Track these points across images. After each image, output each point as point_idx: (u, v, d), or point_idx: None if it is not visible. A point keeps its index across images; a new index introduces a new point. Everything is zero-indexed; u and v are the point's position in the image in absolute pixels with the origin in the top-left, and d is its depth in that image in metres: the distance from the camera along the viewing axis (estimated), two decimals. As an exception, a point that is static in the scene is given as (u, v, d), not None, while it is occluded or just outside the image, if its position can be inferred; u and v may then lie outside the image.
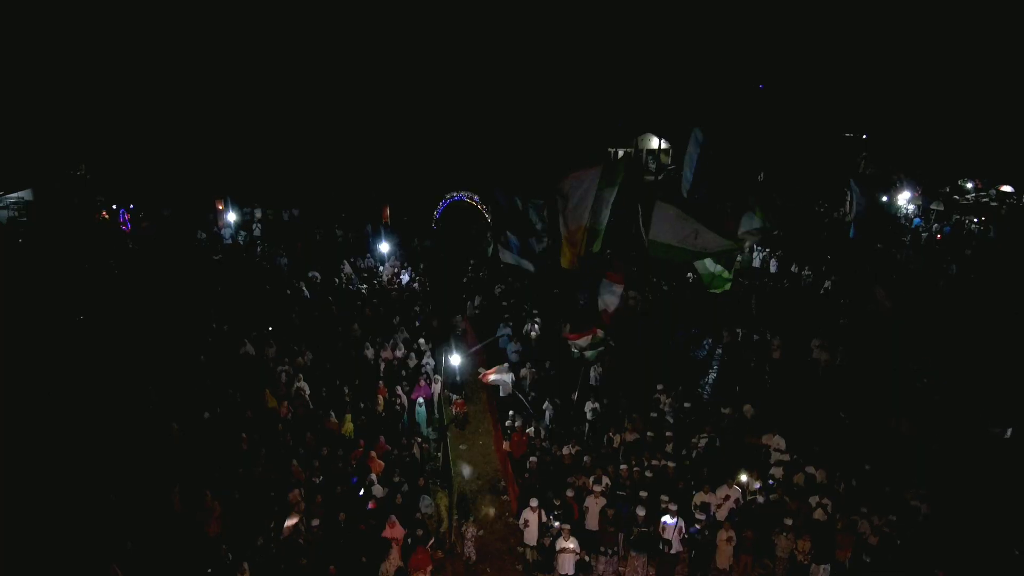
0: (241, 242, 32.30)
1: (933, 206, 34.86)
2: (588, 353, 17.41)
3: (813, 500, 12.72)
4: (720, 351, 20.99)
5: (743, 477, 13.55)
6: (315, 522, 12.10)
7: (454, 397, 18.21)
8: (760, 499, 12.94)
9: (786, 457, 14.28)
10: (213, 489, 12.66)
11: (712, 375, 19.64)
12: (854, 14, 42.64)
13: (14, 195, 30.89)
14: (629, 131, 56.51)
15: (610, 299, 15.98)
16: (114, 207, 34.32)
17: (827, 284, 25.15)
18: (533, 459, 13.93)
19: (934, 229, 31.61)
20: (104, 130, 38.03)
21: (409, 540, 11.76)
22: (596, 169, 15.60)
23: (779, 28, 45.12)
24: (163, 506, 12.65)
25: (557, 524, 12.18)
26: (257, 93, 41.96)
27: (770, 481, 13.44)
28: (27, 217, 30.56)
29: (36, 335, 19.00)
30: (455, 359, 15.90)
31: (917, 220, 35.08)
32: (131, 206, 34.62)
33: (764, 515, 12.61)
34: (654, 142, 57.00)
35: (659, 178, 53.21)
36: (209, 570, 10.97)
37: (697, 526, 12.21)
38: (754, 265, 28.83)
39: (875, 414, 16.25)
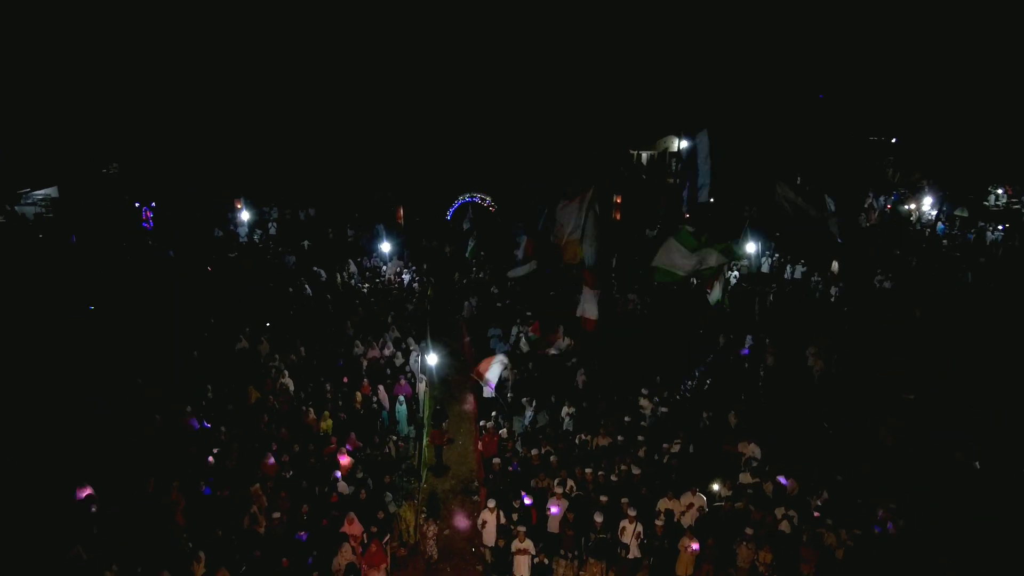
0: (257, 240, 33.04)
1: (957, 212, 33.67)
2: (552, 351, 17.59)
3: (779, 512, 12.42)
4: (714, 356, 20.72)
5: (715, 486, 13.34)
6: (276, 515, 12.29)
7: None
8: (724, 508, 12.70)
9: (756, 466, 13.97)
10: (182, 482, 12.97)
11: (701, 379, 19.37)
12: (885, 14, 41.47)
13: (41, 192, 32.15)
14: (652, 132, 56.04)
15: (590, 307, 16.12)
16: (136, 205, 35.39)
17: (834, 291, 24.55)
18: (496, 460, 13.92)
19: (942, 231, 30.53)
20: (135, 130, 39.33)
21: (365, 537, 11.86)
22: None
23: (806, 29, 44.12)
24: (136, 495, 12.97)
25: (513, 525, 12.15)
26: (281, 96, 42.87)
27: (724, 493, 13.15)
28: (53, 214, 31.78)
29: (41, 326, 19.79)
30: (432, 358, 15.99)
31: (941, 227, 33.93)
32: (153, 204, 35.67)
33: (727, 524, 12.37)
34: (676, 144, 56.31)
35: (678, 181, 52.61)
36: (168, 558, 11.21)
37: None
38: (763, 270, 28.28)
39: (860, 424, 15.80)
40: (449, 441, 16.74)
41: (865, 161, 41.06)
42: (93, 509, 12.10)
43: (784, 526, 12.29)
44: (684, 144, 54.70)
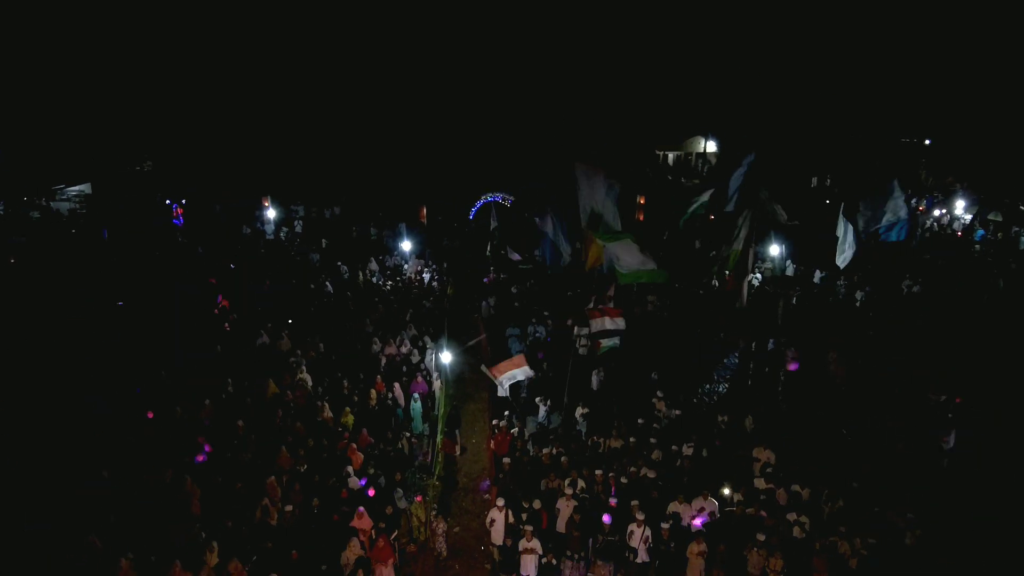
0: (283, 238, 33.55)
1: (991, 216, 32.70)
2: (606, 342, 17.48)
3: (791, 516, 12.21)
4: (735, 359, 20.53)
5: (725, 490, 13.18)
6: (288, 508, 12.47)
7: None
8: (736, 512, 12.54)
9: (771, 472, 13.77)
10: (196, 473, 13.24)
11: (720, 383, 19.18)
12: (917, 13, 40.49)
13: (75, 188, 33.07)
14: (678, 132, 55.59)
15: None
16: (167, 202, 36.17)
17: (860, 295, 24.05)
18: (507, 459, 13.94)
19: (980, 236, 29.67)
20: (169, 127, 40.33)
21: (373, 532, 11.98)
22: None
23: (835, 27, 43.33)
24: (153, 485, 13.25)
25: (521, 524, 12.15)
26: (311, 97, 43.60)
27: (737, 498, 12.95)
28: (86, 209, 32.69)
29: (71, 319, 20.39)
30: (446, 356, 16.07)
31: (980, 232, 32.99)
32: (183, 201, 36.43)
33: (739, 529, 12.20)
34: (703, 144, 55.72)
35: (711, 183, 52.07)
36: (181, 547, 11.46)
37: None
38: (787, 274, 27.81)
39: (880, 431, 15.47)
40: (462, 451, 16.25)
41: (897, 163, 40.11)
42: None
43: (797, 532, 12.10)
44: (712, 146, 54.31)
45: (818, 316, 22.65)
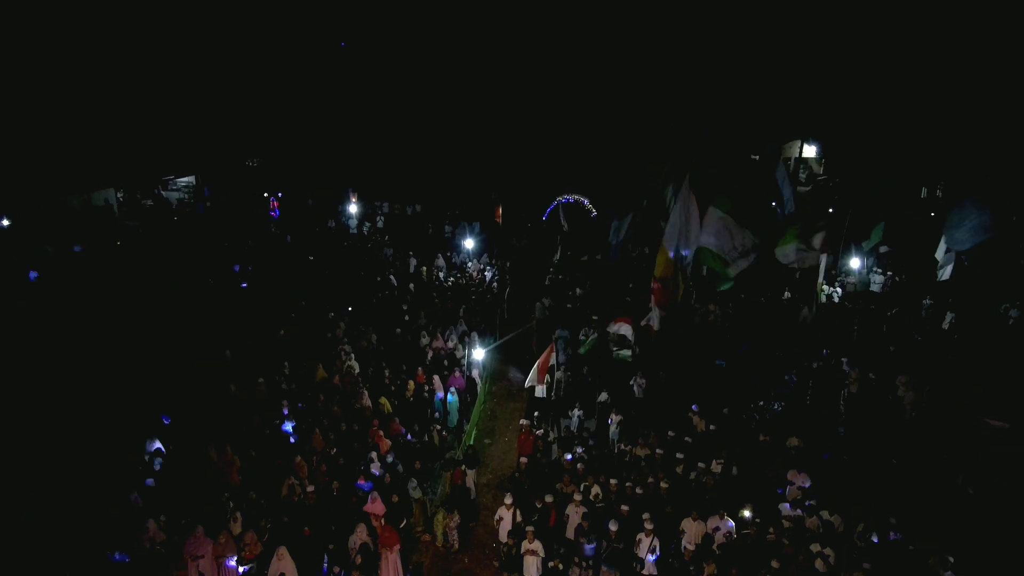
0: (365, 232, 35.12)
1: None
2: (620, 352, 17.33)
3: (815, 547, 11.41)
4: (794, 377, 19.41)
5: (746, 512, 12.53)
6: (310, 488, 13.10)
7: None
8: (750, 533, 11.89)
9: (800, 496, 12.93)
10: (236, 445, 14.19)
11: (776, 401, 18.17)
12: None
13: (184, 179, 36.14)
14: (775, 136, 52.80)
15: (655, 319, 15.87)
16: (266, 195, 38.75)
17: (949, 317, 21.95)
18: (523, 459, 13.94)
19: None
20: (275, 128, 43.13)
21: (383, 519, 12.37)
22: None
23: (944, 26, 39.54)
24: (198, 454, 14.32)
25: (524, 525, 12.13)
26: (401, 99, 45.14)
27: (756, 520, 12.22)
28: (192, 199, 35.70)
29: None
30: (479, 352, 16.24)
31: None
32: (279, 194, 38.90)
33: (754, 554, 11.56)
34: (804, 149, 52.59)
35: (809, 190, 49.45)
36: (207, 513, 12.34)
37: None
38: (871, 289, 25.84)
39: (937, 465, 14.14)
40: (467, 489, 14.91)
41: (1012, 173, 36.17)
42: (157, 465, 13.59)
43: (819, 566, 11.28)
44: (811, 151, 51.39)
45: (895, 337, 20.93)
